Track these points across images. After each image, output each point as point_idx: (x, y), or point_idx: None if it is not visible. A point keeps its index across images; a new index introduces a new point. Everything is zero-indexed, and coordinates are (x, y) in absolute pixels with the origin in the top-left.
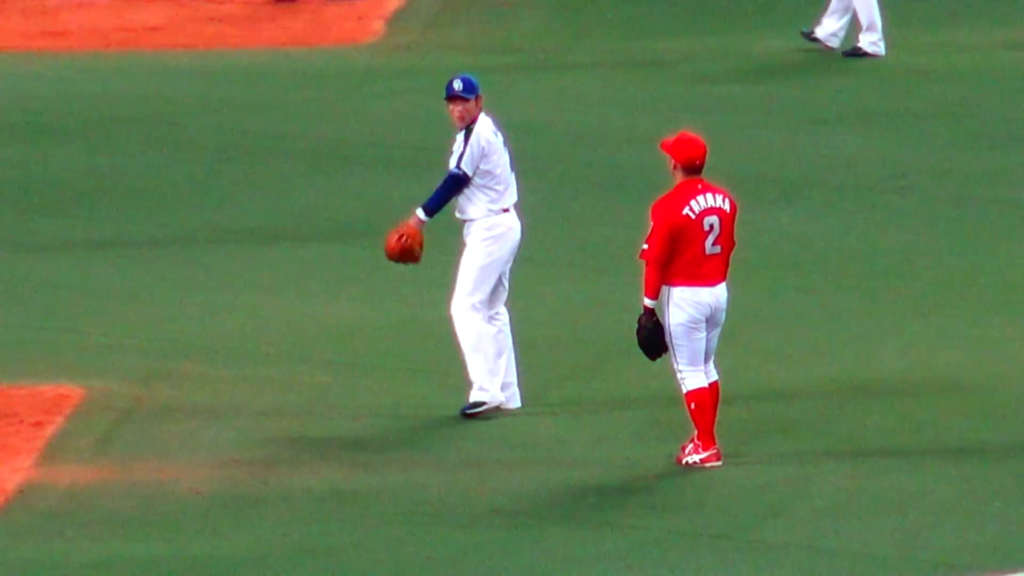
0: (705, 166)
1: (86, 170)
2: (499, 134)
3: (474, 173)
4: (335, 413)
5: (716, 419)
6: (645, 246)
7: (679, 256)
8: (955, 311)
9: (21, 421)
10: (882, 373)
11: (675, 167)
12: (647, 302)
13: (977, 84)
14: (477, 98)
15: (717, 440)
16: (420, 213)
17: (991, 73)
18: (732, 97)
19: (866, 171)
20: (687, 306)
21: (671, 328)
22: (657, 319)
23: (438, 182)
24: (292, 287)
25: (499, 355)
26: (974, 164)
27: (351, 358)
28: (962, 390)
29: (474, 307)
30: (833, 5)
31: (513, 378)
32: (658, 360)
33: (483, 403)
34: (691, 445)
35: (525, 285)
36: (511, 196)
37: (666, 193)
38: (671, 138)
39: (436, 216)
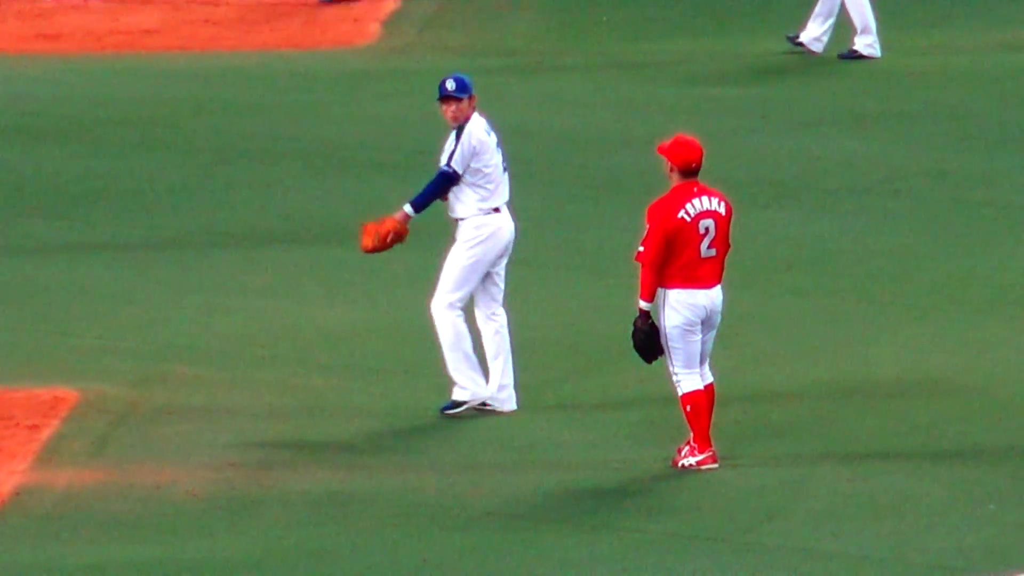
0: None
1: (81, 172)
2: (492, 134)
3: (464, 171)
4: (330, 416)
5: (712, 422)
6: (640, 249)
7: (675, 259)
8: (950, 314)
9: (17, 424)
10: (877, 375)
11: (671, 170)
12: (643, 305)
13: (972, 86)
14: (470, 98)
15: (713, 442)
16: (408, 208)
17: (986, 75)
18: (727, 100)
19: (861, 173)
20: (683, 309)
21: (667, 331)
22: (653, 322)
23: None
24: (287, 290)
25: (496, 356)
26: (969, 166)
27: (346, 361)
28: (957, 392)
29: (452, 305)
30: (818, 8)
31: (510, 380)
32: (654, 363)
33: (463, 402)
34: (687, 448)
35: (520, 287)
36: (501, 196)
37: (662, 196)
38: (667, 141)
39: (424, 213)
